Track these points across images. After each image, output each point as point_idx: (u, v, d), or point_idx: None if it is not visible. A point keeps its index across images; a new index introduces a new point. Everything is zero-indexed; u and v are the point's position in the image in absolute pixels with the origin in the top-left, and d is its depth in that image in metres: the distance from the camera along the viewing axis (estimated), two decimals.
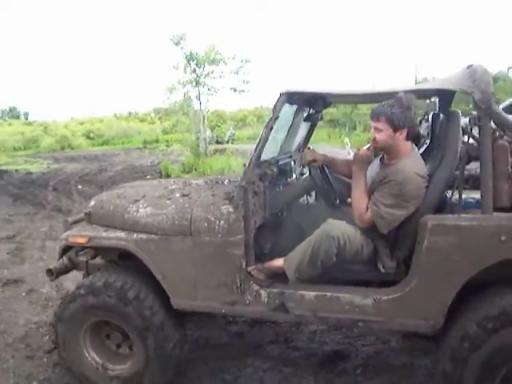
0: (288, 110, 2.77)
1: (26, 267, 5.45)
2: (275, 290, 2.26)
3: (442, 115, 2.40)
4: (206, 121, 15.71)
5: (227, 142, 23.03)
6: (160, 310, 2.45)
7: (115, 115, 48.67)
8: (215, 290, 2.35)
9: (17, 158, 24.08)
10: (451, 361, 1.92)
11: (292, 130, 3.13)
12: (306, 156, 2.55)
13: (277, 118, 2.25)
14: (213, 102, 16.13)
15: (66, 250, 2.84)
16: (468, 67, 1.99)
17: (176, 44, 14.09)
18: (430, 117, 2.44)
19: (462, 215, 1.98)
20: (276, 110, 2.24)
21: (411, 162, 2.12)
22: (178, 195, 2.56)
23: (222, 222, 2.29)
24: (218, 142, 21.51)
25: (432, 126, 2.48)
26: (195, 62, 14.38)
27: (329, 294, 2.15)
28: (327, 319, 2.24)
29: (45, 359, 3.30)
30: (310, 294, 2.18)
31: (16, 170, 16.94)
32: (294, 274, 2.23)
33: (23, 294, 4.58)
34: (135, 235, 2.46)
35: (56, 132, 36.68)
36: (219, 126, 24.32)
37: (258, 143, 2.27)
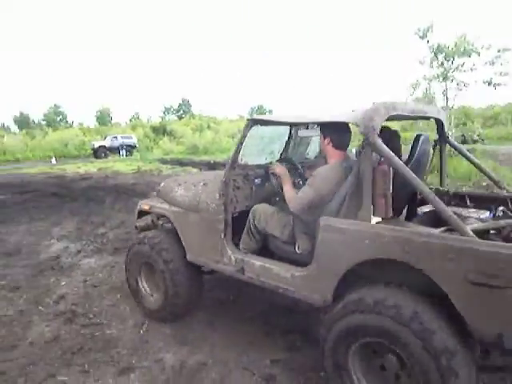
0: (277, 129, 4.13)
1: None
2: (240, 257, 3.13)
3: (422, 138, 2.87)
4: (452, 118, 14.31)
5: (474, 142, 21.20)
6: (178, 259, 3.57)
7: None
8: (209, 251, 3.35)
9: None
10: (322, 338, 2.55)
11: (295, 143, 4.20)
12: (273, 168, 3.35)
13: (245, 137, 3.07)
14: (459, 98, 14.59)
15: (140, 213, 4.14)
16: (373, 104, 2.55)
17: (422, 37, 13.28)
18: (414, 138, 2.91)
19: (344, 220, 2.50)
20: (244, 131, 3.07)
21: (330, 166, 2.84)
22: (201, 184, 3.54)
23: (213, 204, 3.26)
24: (463, 142, 19.90)
25: (412, 147, 2.85)
26: (443, 55, 13.26)
27: (267, 265, 2.95)
28: (264, 283, 2.97)
29: None
30: (257, 263, 3.00)
31: None
32: (242, 246, 3.26)
33: None
34: (173, 208, 3.65)
35: None
36: (465, 125, 22.40)
37: (233, 154, 3.17)
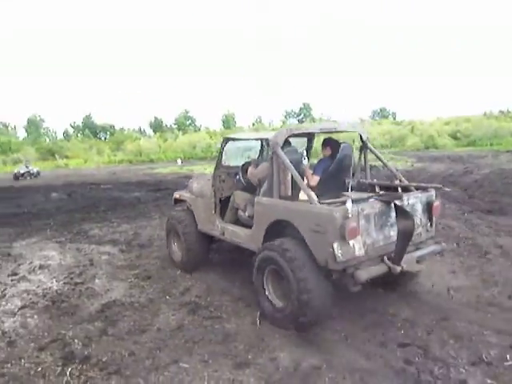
0: (252, 143, 6.27)
1: None
2: (223, 225, 4.94)
3: (343, 146, 4.54)
4: None
5: None
6: (192, 230, 5.39)
7: (485, 114, 45.89)
8: (207, 223, 5.19)
9: (384, 155, 26.51)
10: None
11: (267, 152, 5.33)
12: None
13: (223, 149, 5.01)
14: None
15: (176, 200, 6.03)
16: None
17: None
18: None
19: (264, 198, 4.23)
20: (221, 146, 5.02)
21: (267, 163, 4.46)
22: (207, 179, 5.35)
23: (210, 192, 5.11)
24: None
25: (336, 152, 4.52)
26: None
27: (234, 229, 4.76)
28: (233, 240, 4.78)
29: None
30: (230, 228, 4.82)
31: (383, 166, 18.44)
32: (225, 218, 5.08)
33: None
34: (191, 196, 5.55)
35: (422, 131, 38.19)
36: None
37: (216, 160, 5.11)
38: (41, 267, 5.98)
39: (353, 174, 4.69)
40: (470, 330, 3.66)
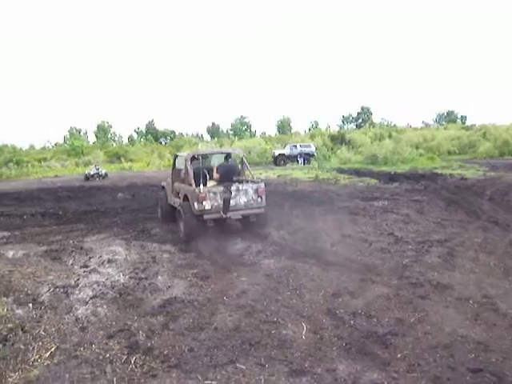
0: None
1: (456, 274, 5.31)
2: (174, 198, 8.99)
3: (229, 158, 8.72)
4: None
5: None
6: (166, 202, 9.66)
7: None
8: (170, 197, 9.35)
9: (451, 163, 25.00)
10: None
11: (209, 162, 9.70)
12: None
13: (175, 159, 9.71)
14: None
15: (162, 186, 10.37)
16: None
17: None
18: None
19: (184, 185, 8.30)
20: (174, 158, 9.91)
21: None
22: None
23: (171, 181, 9.61)
24: None
25: (227, 162, 8.72)
26: None
27: (177, 200, 8.59)
28: (176, 205, 8.70)
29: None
30: (176, 200, 8.70)
31: (450, 175, 17.44)
32: (173, 195, 9.40)
33: (451, 301, 4.47)
34: (166, 183, 10.05)
35: (496, 136, 35.08)
36: None
37: (172, 164, 9.99)
38: (109, 261, 6.35)
39: (238, 174, 8.77)
40: None
